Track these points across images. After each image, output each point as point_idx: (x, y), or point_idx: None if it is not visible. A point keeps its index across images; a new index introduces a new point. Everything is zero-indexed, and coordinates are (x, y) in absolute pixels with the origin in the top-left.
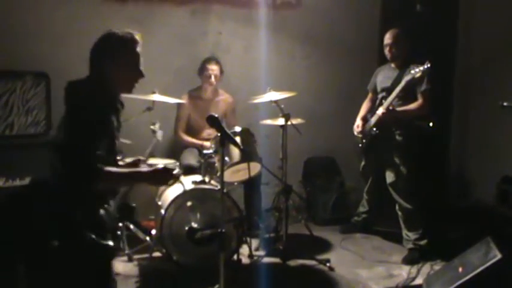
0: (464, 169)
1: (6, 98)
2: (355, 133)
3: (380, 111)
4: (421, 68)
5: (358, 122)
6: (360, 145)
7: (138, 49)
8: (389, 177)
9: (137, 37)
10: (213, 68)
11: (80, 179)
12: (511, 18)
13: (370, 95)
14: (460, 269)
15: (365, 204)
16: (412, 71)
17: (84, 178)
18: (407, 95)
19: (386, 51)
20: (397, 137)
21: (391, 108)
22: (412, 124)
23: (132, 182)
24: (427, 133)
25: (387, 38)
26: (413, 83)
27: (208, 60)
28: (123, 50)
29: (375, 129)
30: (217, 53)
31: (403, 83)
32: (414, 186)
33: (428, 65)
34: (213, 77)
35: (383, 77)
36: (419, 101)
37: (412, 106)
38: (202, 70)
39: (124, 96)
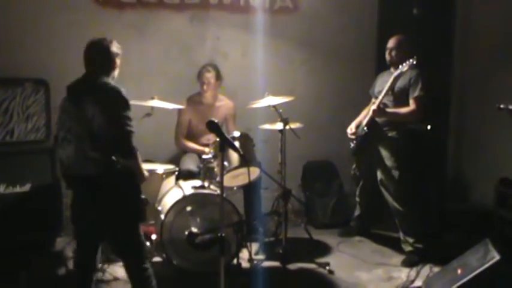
0: (461, 171)
1: (7, 105)
2: (348, 135)
3: (372, 108)
4: (407, 63)
5: (352, 125)
6: (351, 146)
7: None
8: (379, 175)
9: None
10: (208, 75)
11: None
12: (508, 22)
13: (372, 101)
14: (459, 271)
15: (357, 207)
16: (400, 66)
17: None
18: (400, 100)
19: (387, 54)
20: (388, 138)
21: (381, 106)
22: (405, 126)
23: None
24: (421, 135)
25: (390, 42)
26: (405, 86)
27: (203, 67)
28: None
29: (365, 128)
30: (215, 58)
31: (391, 78)
32: (407, 189)
33: (415, 60)
34: (207, 84)
35: (381, 81)
36: (411, 107)
37: (403, 110)
38: (198, 76)
39: None
